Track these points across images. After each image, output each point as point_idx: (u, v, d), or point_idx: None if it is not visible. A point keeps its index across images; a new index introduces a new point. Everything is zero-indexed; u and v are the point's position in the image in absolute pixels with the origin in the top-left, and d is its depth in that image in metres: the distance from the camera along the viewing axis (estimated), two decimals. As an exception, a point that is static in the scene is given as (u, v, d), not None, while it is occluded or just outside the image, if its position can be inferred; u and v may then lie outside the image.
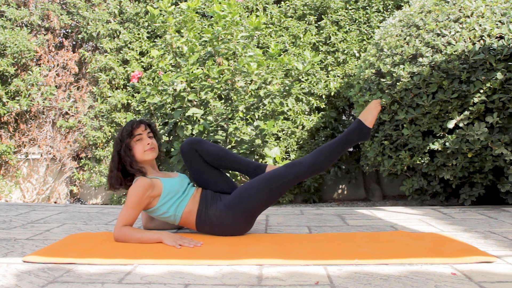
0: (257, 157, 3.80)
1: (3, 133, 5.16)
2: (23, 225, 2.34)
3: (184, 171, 3.42)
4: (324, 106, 4.74)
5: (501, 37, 2.77)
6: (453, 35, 2.91)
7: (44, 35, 5.28)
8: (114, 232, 1.89)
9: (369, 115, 2.09)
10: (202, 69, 3.76)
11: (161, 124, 3.85)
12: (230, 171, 3.52)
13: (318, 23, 4.98)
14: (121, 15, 5.32)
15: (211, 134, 3.61)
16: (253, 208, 2.00)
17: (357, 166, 4.80)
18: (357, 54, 4.75)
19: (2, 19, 5.21)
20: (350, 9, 4.91)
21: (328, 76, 4.77)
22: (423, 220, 2.46)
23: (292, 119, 4.76)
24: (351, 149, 4.90)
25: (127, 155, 2.01)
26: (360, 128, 2.07)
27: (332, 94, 4.69)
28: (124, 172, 2.04)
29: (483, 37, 2.81)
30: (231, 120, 3.75)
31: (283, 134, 4.74)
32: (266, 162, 3.95)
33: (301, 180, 2.04)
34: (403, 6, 4.45)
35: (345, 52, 4.77)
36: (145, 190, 1.92)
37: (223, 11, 3.57)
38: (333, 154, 2.04)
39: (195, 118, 3.74)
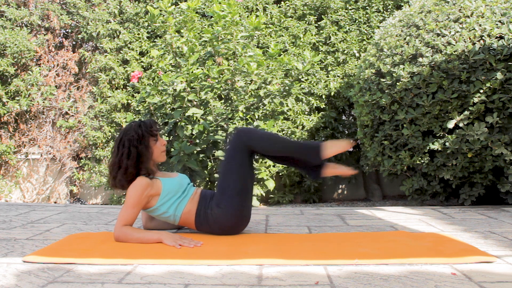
0: (257, 157, 3.80)
1: (3, 133, 5.16)
2: (23, 225, 2.34)
3: (184, 171, 3.42)
4: (324, 106, 4.74)
5: (501, 37, 2.77)
6: (453, 35, 2.91)
7: (44, 35, 5.27)
8: (114, 232, 1.89)
9: (333, 147, 1.99)
10: (202, 69, 3.76)
11: (161, 124, 3.85)
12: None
13: (318, 23, 4.98)
14: (121, 15, 5.32)
15: (211, 134, 3.61)
16: (236, 195, 1.97)
17: (357, 166, 4.80)
18: (357, 54, 4.75)
19: (2, 19, 5.21)
20: (350, 9, 4.91)
21: (328, 76, 4.77)
22: (423, 220, 2.46)
23: (292, 119, 4.76)
24: (351, 149, 4.90)
25: (148, 152, 1.99)
26: (315, 152, 1.97)
27: (332, 94, 4.69)
28: (137, 168, 1.99)
29: (483, 37, 2.81)
30: (231, 120, 3.75)
31: (283, 134, 4.74)
32: (266, 162, 3.95)
33: (253, 150, 2.02)
34: (403, 6, 4.45)
35: (345, 52, 4.77)
36: (144, 189, 1.92)
37: (223, 11, 3.57)
38: (283, 149, 2.01)
39: (195, 118, 3.74)
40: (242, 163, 2.00)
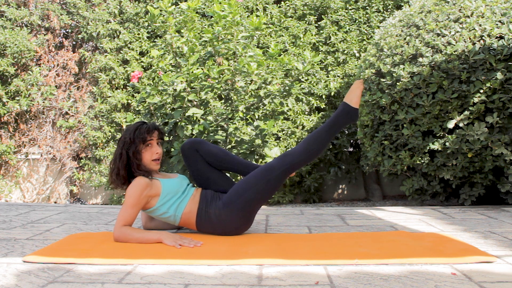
0: (257, 157, 3.80)
1: (3, 133, 5.16)
2: (23, 225, 2.34)
3: (184, 171, 3.42)
4: (324, 106, 4.74)
5: (501, 37, 2.77)
6: (453, 35, 2.91)
7: (44, 35, 5.28)
8: (114, 232, 1.89)
9: (353, 96, 2.11)
10: (202, 69, 3.76)
11: (161, 124, 3.85)
12: (230, 172, 3.52)
13: (318, 23, 4.98)
14: (121, 15, 5.32)
15: (211, 134, 3.61)
16: (250, 203, 1.99)
17: (357, 166, 4.80)
18: (357, 54, 4.75)
19: (2, 19, 5.21)
20: (350, 9, 4.91)
21: (328, 76, 4.77)
22: (423, 220, 2.46)
23: (292, 119, 4.76)
24: (351, 149, 4.90)
25: (136, 158, 1.99)
26: (346, 110, 2.09)
27: (332, 94, 4.69)
28: (129, 171, 2.01)
29: (483, 37, 2.81)
30: (231, 120, 3.75)
31: (283, 134, 4.74)
32: (266, 162, 3.95)
33: (297, 169, 2.05)
34: (403, 6, 4.45)
35: (345, 52, 4.77)
36: (143, 189, 1.93)
37: (223, 11, 3.57)
38: (323, 139, 2.05)
39: (195, 118, 3.74)
40: (273, 180, 2.00)
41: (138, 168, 1.99)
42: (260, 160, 3.87)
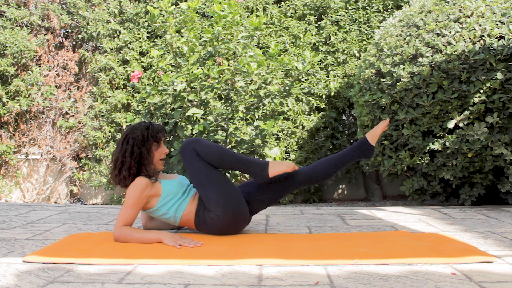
0: (257, 157, 3.80)
1: (3, 133, 5.16)
2: (23, 225, 2.34)
3: (184, 172, 3.42)
4: (324, 106, 4.74)
5: (501, 37, 2.77)
6: (453, 35, 2.91)
7: (44, 35, 5.27)
8: (114, 232, 1.89)
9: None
10: (202, 69, 3.76)
11: (161, 124, 3.85)
12: (230, 171, 3.52)
13: (318, 23, 4.98)
14: (121, 15, 5.32)
15: (211, 134, 3.61)
16: (219, 200, 1.95)
17: (357, 166, 4.80)
18: (357, 54, 4.75)
19: (2, 19, 5.21)
20: (350, 9, 4.91)
21: (328, 76, 4.77)
22: (423, 220, 2.46)
23: (292, 119, 4.76)
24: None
25: (149, 156, 1.99)
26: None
27: (332, 94, 4.69)
28: (137, 169, 1.99)
29: (483, 37, 2.81)
30: (231, 120, 3.75)
31: (283, 134, 4.74)
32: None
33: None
34: (403, 6, 4.45)
35: (345, 52, 4.77)
36: (143, 189, 1.93)
37: (223, 11, 3.57)
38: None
39: (195, 118, 3.74)
40: (207, 171, 1.97)
41: (148, 167, 1.98)
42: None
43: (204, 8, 5.07)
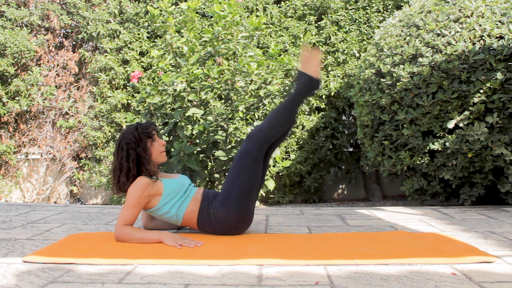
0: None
1: (3, 133, 5.16)
2: (23, 225, 2.34)
3: (184, 171, 3.42)
4: (324, 106, 4.74)
5: (501, 37, 2.77)
6: (453, 35, 2.91)
7: (44, 35, 5.28)
8: (114, 231, 1.89)
9: (309, 66, 2.16)
10: (202, 69, 3.77)
11: (161, 124, 3.85)
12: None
13: (318, 23, 4.98)
14: (121, 15, 5.32)
15: (211, 134, 3.61)
16: (241, 195, 1.98)
17: (357, 166, 4.80)
18: (357, 54, 4.75)
19: (2, 19, 5.21)
20: (350, 9, 4.91)
21: (328, 76, 4.77)
22: (423, 220, 2.46)
23: (292, 119, 4.75)
24: (351, 149, 4.90)
25: (147, 154, 2.00)
26: (305, 79, 2.13)
27: (332, 94, 4.69)
28: (138, 170, 2.00)
29: (483, 37, 2.81)
30: (231, 120, 3.75)
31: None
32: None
33: (269, 143, 2.06)
34: (403, 6, 4.45)
35: (345, 52, 4.77)
36: (144, 189, 1.93)
37: (223, 11, 3.57)
38: (287, 111, 2.08)
39: (195, 118, 3.74)
40: (252, 164, 2.01)
41: (148, 165, 1.99)
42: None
43: (204, 8, 5.06)
